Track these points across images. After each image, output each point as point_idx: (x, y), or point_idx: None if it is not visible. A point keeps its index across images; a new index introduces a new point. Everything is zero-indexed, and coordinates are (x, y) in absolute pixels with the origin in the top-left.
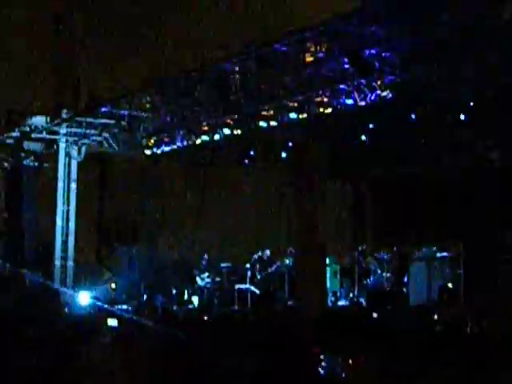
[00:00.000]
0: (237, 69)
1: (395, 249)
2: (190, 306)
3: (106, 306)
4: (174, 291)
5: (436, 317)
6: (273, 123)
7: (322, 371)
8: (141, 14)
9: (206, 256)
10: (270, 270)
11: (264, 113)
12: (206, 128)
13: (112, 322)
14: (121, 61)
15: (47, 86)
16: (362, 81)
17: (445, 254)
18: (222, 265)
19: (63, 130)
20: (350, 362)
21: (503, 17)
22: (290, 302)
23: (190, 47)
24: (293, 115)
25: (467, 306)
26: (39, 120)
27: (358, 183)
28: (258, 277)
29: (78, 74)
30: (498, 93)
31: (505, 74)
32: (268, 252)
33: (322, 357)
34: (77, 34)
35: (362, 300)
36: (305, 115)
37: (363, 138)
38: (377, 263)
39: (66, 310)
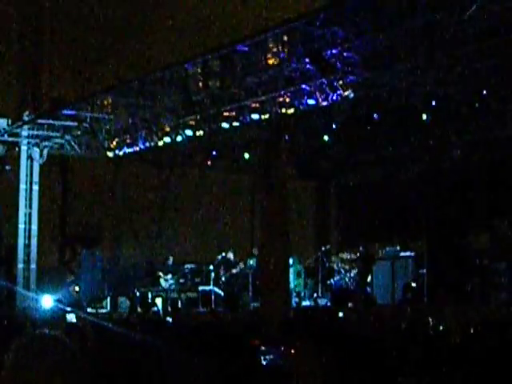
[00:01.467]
0: (199, 70)
1: (359, 248)
2: (154, 308)
3: (68, 308)
4: (138, 293)
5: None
6: (235, 124)
7: (263, 362)
8: (103, 18)
9: (170, 258)
10: (233, 272)
11: (226, 113)
12: (168, 129)
13: (70, 318)
14: (83, 63)
15: (9, 87)
16: (324, 81)
17: (408, 253)
18: (186, 266)
19: (25, 133)
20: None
21: (464, 15)
22: (253, 304)
23: (152, 49)
24: (255, 116)
25: (429, 306)
26: (1, 122)
27: (322, 183)
28: (222, 278)
29: (41, 75)
30: (460, 93)
31: (466, 73)
32: (231, 253)
33: (262, 348)
34: (41, 36)
35: (325, 300)
36: (267, 116)
37: (326, 138)
38: (341, 263)
39: (28, 312)
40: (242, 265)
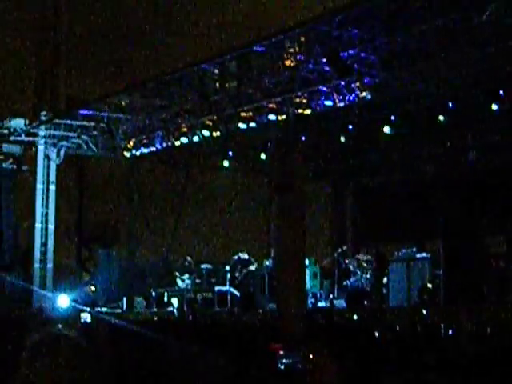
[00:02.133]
0: (216, 70)
1: (375, 250)
2: (170, 308)
3: (84, 308)
4: (154, 293)
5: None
6: (252, 124)
7: (281, 366)
8: (122, 19)
9: (188, 258)
10: (248, 270)
11: (243, 114)
12: (185, 130)
13: (85, 318)
14: (101, 63)
15: (26, 87)
16: (341, 82)
17: (424, 254)
18: (203, 266)
19: (42, 133)
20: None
21: (481, 18)
22: (270, 304)
23: (169, 49)
24: (272, 116)
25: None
26: (18, 122)
27: (338, 185)
28: (238, 278)
29: (58, 75)
30: (477, 95)
31: (485, 74)
32: (245, 254)
33: (281, 353)
34: (59, 36)
35: (341, 301)
36: (284, 116)
37: (342, 139)
38: (357, 264)
39: (44, 312)
40: (256, 264)
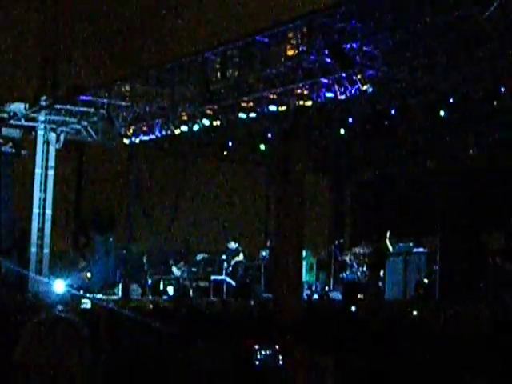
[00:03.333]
0: (218, 59)
1: (372, 243)
2: (165, 297)
3: (80, 293)
4: (150, 281)
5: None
6: (252, 114)
7: (256, 363)
8: (123, 6)
9: (184, 246)
10: (233, 262)
11: (244, 104)
12: (185, 118)
13: (85, 304)
14: (102, 49)
15: (27, 72)
16: (343, 74)
17: (421, 249)
18: (199, 255)
19: (42, 117)
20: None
21: (486, 13)
22: (265, 295)
23: (171, 37)
24: (272, 107)
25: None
26: (18, 106)
27: (337, 177)
28: (229, 269)
29: (59, 61)
30: (478, 90)
31: (487, 70)
32: (233, 244)
33: (256, 347)
34: (60, 21)
35: (337, 293)
36: (284, 107)
37: (342, 131)
38: (353, 257)
39: (40, 297)
40: (241, 255)
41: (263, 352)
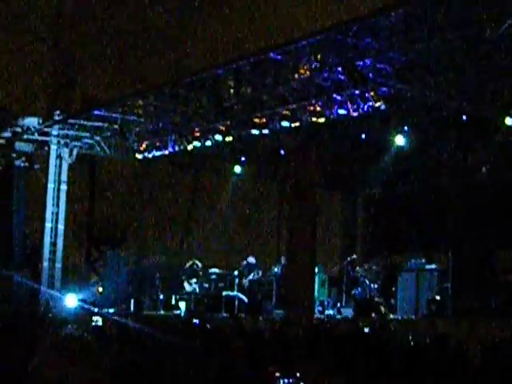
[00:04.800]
0: (231, 76)
1: (384, 260)
2: (177, 312)
3: (92, 308)
4: (161, 296)
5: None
6: (265, 131)
7: None
8: (138, 23)
9: (196, 262)
10: (250, 278)
11: (256, 120)
12: (197, 134)
13: (96, 320)
14: (116, 65)
15: (41, 86)
16: (356, 91)
17: (433, 266)
18: (211, 271)
19: (55, 132)
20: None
21: (498, 31)
22: (276, 311)
23: (185, 54)
24: (285, 123)
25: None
26: (31, 121)
27: (349, 194)
28: (246, 284)
29: (73, 76)
30: (490, 108)
31: (499, 88)
32: (253, 259)
33: (277, 375)
34: (74, 37)
35: (349, 310)
36: (297, 124)
37: (354, 148)
38: (365, 273)
39: (52, 311)
40: (260, 272)
41: (285, 380)
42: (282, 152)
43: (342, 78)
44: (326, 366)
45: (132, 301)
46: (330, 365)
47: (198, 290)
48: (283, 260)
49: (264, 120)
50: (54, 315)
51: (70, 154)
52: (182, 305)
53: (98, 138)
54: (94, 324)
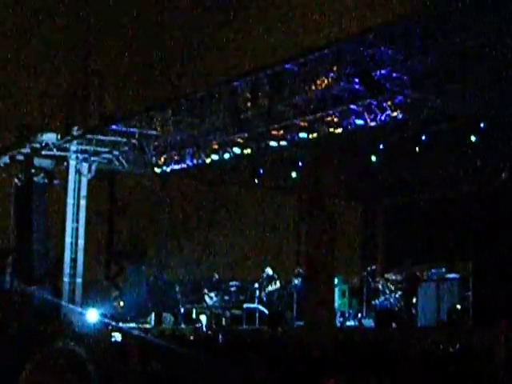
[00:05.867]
0: (248, 88)
1: (405, 269)
2: (198, 325)
3: (113, 323)
4: (182, 310)
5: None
6: (283, 142)
7: None
8: (154, 37)
9: (216, 275)
10: (269, 290)
11: (274, 132)
12: (216, 147)
13: (116, 337)
14: (133, 79)
15: (58, 102)
16: (373, 101)
17: (454, 275)
18: (231, 284)
19: (74, 147)
20: None
21: None
22: (297, 323)
23: (202, 66)
24: (303, 135)
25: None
26: (50, 137)
27: (369, 204)
28: (265, 296)
29: (90, 91)
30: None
31: None
32: (270, 270)
33: None
34: (91, 51)
35: (370, 321)
36: (315, 135)
37: (373, 158)
38: (386, 284)
39: (73, 327)
40: (278, 283)
41: None
42: (300, 164)
43: (359, 88)
44: (347, 375)
45: (152, 315)
46: (352, 375)
47: (218, 303)
48: (302, 271)
49: (281, 132)
50: (74, 330)
51: (89, 170)
52: (203, 318)
53: (116, 153)
54: (113, 340)
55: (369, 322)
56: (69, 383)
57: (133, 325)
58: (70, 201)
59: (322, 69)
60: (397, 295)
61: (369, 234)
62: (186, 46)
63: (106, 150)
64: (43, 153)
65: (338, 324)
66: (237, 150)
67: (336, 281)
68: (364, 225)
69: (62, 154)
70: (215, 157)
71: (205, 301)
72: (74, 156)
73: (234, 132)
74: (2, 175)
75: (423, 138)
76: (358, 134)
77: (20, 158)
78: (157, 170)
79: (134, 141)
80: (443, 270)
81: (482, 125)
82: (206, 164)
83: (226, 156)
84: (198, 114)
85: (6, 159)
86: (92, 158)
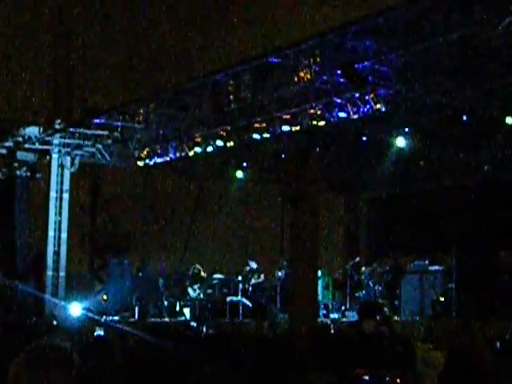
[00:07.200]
0: (231, 81)
1: (388, 262)
2: (182, 318)
3: (96, 317)
4: (166, 303)
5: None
6: (266, 135)
7: None
8: (136, 28)
9: (200, 268)
10: (253, 282)
11: (257, 125)
12: (198, 139)
13: (99, 332)
14: (115, 72)
15: (41, 95)
16: (355, 94)
17: (437, 267)
18: (214, 277)
19: (56, 141)
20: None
21: (497, 29)
22: (281, 315)
23: (184, 60)
24: (286, 127)
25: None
26: (32, 130)
27: (351, 196)
28: (249, 289)
29: (73, 84)
30: (491, 108)
31: (499, 87)
32: (254, 263)
33: (366, 378)
34: (73, 45)
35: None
36: (298, 127)
37: (356, 150)
38: (369, 276)
39: (57, 321)
40: (262, 276)
41: (374, 382)
42: (283, 156)
43: (342, 80)
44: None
45: (136, 308)
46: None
47: (201, 295)
48: (286, 264)
49: (264, 124)
50: (57, 324)
51: (72, 163)
52: (187, 311)
53: (99, 146)
54: (96, 334)
55: (352, 315)
56: (56, 378)
57: (117, 318)
58: (53, 194)
59: (305, 61)
60: (380, 287)
61: (352, 226)
62: (168, 39)
63: (89, 143)
64: (26, 146)
65: (322, 316)
66: (220, 143)
67: (319, 273)
68: (347, 217)
69: (45, 147)
70: (198, 150)
71: (188, 294)
72: (56, 149)
73: (216, 125)
74: None
75: (406, 130)
76: (341, 126)
77: (2, 151)
78: (140, 163)
79: (116, 134)
80: (426, 262)
81: (464, 118)
82: (189, 157)
83: (210, 149)
84: (181, 106)
85: None
86: (75, 152)
